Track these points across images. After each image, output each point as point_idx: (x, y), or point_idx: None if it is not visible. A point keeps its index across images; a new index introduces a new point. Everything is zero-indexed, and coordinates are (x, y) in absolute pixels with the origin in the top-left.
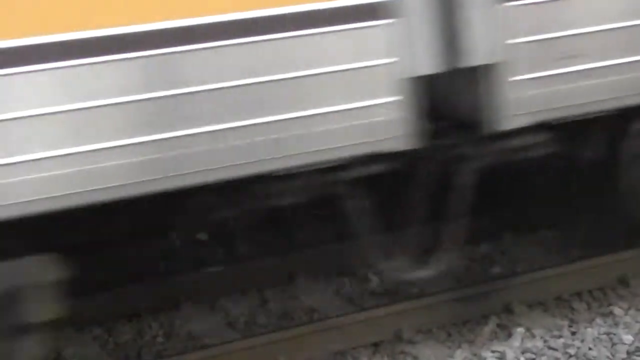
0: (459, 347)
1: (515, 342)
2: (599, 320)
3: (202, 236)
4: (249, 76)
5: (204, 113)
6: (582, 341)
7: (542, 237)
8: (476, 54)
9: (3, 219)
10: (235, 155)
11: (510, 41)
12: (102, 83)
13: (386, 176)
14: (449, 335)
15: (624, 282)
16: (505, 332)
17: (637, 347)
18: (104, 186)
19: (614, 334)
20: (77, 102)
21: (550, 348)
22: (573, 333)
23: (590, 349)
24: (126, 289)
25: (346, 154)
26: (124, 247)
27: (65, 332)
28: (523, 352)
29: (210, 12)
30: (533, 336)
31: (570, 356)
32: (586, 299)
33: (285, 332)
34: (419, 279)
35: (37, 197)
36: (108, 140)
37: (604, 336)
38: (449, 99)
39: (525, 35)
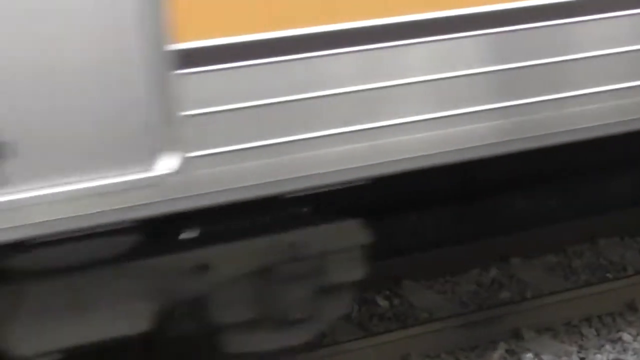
0: None
1: None
2: (607, 347)
3: None
4: None
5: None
6: None
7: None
8: None
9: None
10: None
11: None
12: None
13: None
14: None
15: (632, 307)
16: (514, 357)
17: None
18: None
19: None
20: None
21: None
22: (582, 359)
23: None
24: None
25: None
26: None
27: None
28: None
29: None
30: None
31: None
32: (595, 325)
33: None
34: None
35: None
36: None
37: None
38: None
39: None
